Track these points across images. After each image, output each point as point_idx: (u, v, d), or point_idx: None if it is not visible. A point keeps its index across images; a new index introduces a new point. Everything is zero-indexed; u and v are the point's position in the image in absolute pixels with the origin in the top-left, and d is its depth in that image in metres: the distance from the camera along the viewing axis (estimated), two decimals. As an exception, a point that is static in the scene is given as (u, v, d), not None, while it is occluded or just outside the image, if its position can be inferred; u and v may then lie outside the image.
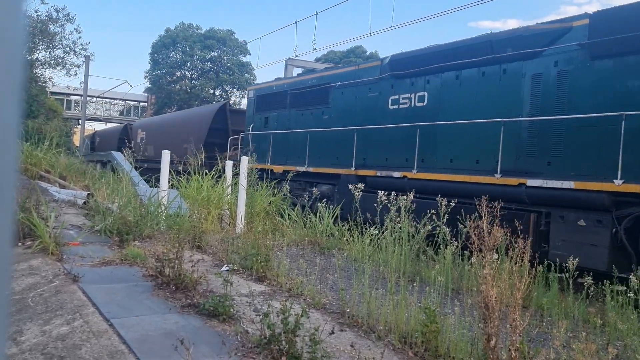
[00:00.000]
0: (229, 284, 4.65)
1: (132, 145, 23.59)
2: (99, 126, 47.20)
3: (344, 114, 12.15)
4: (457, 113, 9.46)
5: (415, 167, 9.89)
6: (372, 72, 11.52)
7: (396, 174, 10.27)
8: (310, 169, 12.64)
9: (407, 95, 10.58)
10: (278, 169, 13.83)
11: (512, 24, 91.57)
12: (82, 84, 33.09)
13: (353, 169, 11.38)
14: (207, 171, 11.28)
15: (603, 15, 7.72)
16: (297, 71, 20.64)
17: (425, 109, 10.11)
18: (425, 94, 10.18)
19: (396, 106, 10.78)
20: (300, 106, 13.70)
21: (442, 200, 7.05)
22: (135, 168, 13.98)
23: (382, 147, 10.95)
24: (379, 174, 10.64)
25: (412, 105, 10.46)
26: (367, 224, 8.53)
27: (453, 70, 9.69)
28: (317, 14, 19.53)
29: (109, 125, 45.30)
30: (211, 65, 46.64)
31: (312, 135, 12.78)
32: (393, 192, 7.11)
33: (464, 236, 5.68)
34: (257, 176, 12.81)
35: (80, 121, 37.12)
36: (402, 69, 10.68)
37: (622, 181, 6.79)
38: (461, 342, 3.86)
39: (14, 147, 0.67)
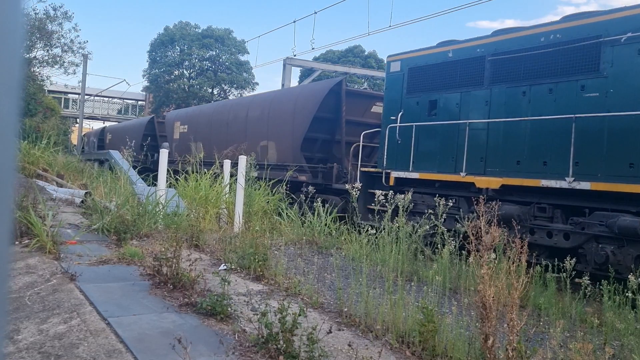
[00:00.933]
0: (226, 283, 4.65)
1: (164, 143, 20.48)
2: (97, 124, 47.17)
3: None
4: None
5: None
6: None
7: None
8: (585, 185, 6.98)
9: None
10: (487, 182, 8.20)
11: (510, 24, 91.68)
12: (80, 83, 33.05)
13: None
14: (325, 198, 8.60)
15: None
16: (295, 71, 18.75)
17: None
18: None
19: None
20: (516, 80, 8.29)
21: None
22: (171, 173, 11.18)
23: None
24: None
25: None
26: None
27: None
28: (315, 13, 19.56)
29: (125, 119, 44.93)
30: (209, 64, 46.59)
31: (579, 124, 7.21)
32: None
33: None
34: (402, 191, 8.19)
35: (78, 120, 37.04)
36: None
37: None
38: (458, 342, 3.87)
39: (13, 145, 0.67)
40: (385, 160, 10.09)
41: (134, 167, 14.48)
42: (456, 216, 7.83)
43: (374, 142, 11.70)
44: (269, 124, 13.75)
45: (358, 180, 10.09)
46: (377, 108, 12.45)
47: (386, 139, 10.05)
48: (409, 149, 9.61)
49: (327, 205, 7.81)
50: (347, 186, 7.84)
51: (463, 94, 9.09)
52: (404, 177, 9.65)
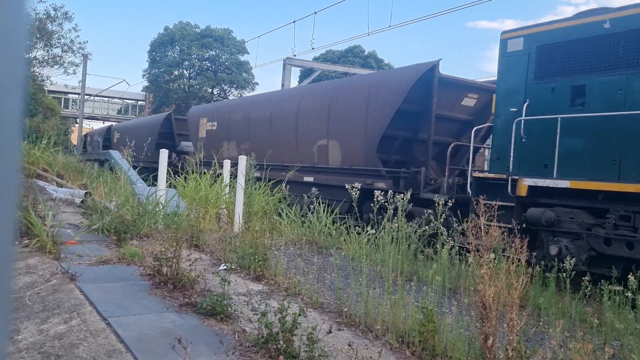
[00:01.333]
0: (226, 283, 4.66)
1: (184, 143, 18.34)
2: (96, 124, 47.13)
3: None
4: None
5: None
6: None
7: None
8: None
9: None
10: None
11: (509, 24, 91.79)
12: (80, 83, 33.05)
13: None
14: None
15: None
16: (295, 71, 17.79)
17: None
18: None
19: None
20: None
21: None
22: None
23: None
24: None
25: None
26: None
27: None
28: (315, 13, 19.54)
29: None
30: (209, 64, 46.61)
31: None
32: None
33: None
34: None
35: (78, 120, 37.04)
36: None
37: None
38: (458, 342, 3.87)
39: (17, 146, 0.67)
40: (511, 163, 7.78)
41: (149, 170, 13.94)
42: (631, 239, 6.22)
43: (461, 140, 10.30)
44: (330, 119, 11.39)
45: (469, 189, 8.43)
46: (469, 100, 10.75)
47: (512, 137, 7.76)
48: (544, 150, 7.45)
49: (416, 222, 6.34)
50: (438, 197, 6.47)
51: (630, 76, 6.82)
52: (544, 185, 7.29)
